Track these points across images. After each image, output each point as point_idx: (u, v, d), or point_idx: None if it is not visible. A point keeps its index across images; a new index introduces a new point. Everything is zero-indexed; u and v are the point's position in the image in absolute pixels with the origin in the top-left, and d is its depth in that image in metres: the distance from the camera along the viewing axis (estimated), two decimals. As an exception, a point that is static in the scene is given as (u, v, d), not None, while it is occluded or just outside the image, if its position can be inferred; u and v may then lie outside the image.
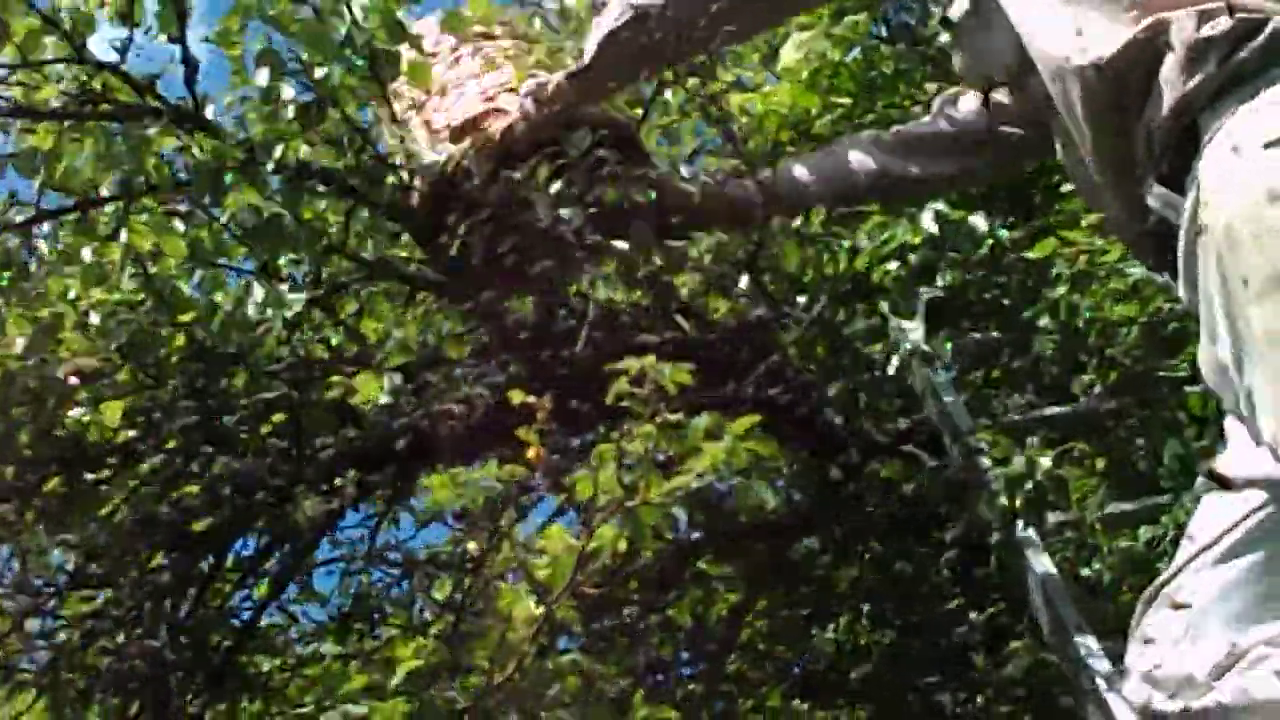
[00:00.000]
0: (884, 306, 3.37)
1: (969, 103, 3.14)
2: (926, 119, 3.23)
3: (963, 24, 2.76)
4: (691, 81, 3.94)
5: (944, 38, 2.87)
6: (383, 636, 3.35)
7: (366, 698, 2.90)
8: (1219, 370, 2.05)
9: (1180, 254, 2.15)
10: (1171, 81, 2.16)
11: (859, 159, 3.18)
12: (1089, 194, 2.80)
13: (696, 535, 3.60)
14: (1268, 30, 2.13)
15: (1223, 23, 2.14)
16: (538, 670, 2.53)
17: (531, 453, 2.77)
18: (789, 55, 3.89)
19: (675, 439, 2.50)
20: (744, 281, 3.15)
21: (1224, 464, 2.20)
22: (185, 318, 2.93)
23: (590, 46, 3.03)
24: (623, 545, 2.56)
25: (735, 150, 3.55)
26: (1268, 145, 2.00)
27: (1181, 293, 2.15)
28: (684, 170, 4.07)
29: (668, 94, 3.86)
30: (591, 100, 3.15)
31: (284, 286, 3.05)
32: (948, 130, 3.13)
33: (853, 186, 3.24)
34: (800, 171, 3.31)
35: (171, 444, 2.85)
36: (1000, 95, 2.81)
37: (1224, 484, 2.18)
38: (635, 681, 3.22)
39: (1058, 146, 2.59)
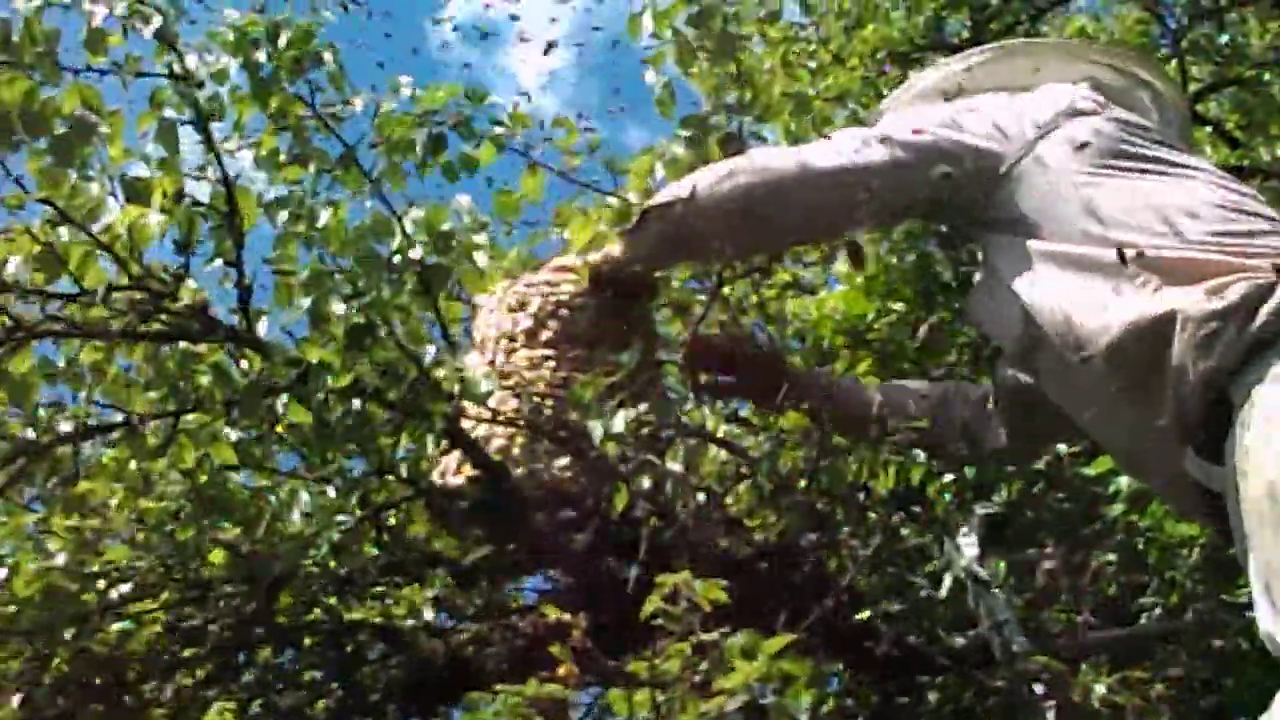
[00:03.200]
0: (938, 521, 3.33)
1: None
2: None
3: (974, 289, 2.78)
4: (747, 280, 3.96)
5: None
6: None
7: None
8: (1269, 639, 2.03)
9: (1231, 524, 2.13)
10: (1189, 358, 2.14)
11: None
12: (1124, 462, 2.79)
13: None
14: (1278, 294, 2.12)
15: (1233, 293, 2.14)
16: None
17: (563, 670, 2.74)
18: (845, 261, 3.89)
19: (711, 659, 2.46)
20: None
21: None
22: (229, 531, 2.91)
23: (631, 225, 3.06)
24: (662, 764, 2.51)
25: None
26: None
27: (1240, 557, 2.12)
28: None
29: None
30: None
31: (331, 491, 3.04)
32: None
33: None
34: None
35: (206, 670, 2.82)
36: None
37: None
38: None
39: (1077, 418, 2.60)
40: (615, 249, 3.10)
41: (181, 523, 2.93)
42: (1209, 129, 4.65)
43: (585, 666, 2.46)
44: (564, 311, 3.15)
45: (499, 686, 2.56)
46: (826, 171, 2.75)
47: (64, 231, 2.69)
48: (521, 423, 2.91)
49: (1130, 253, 2.30)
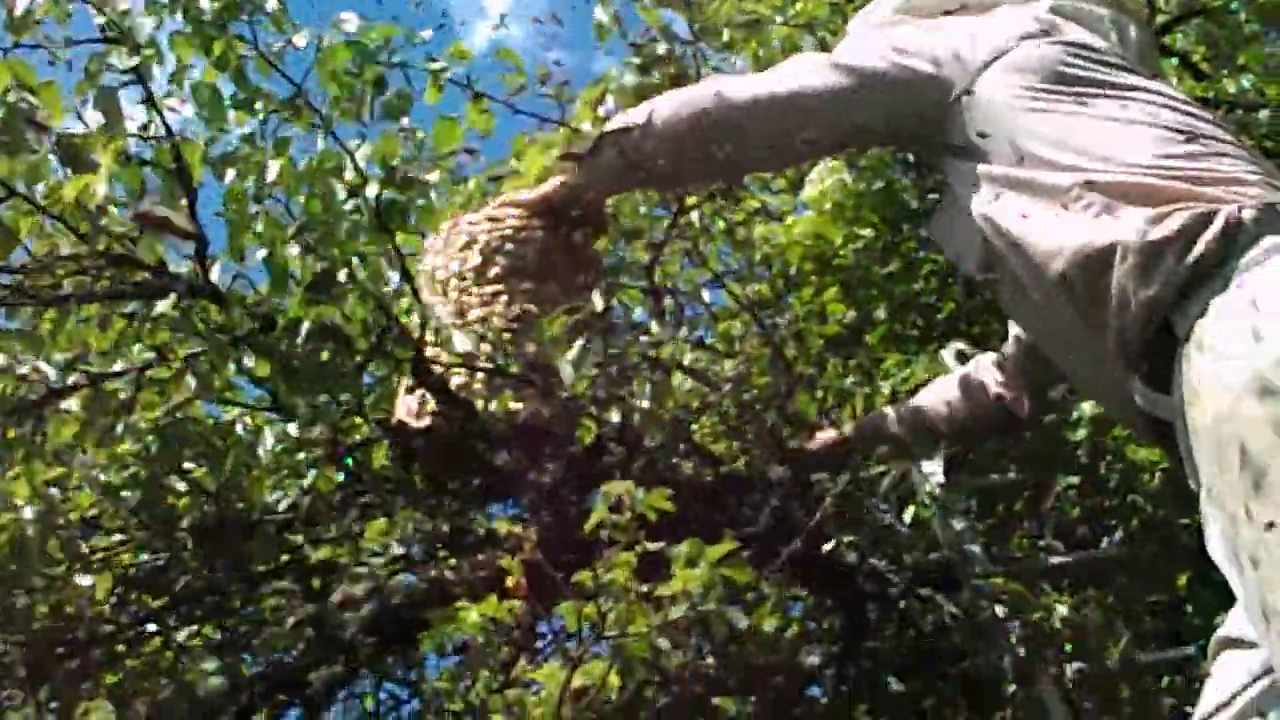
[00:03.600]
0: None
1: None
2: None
3: (938, 212, 2.79)
4: (714, 205, 3.97)
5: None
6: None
7: None
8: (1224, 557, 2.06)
9: (1182, 452, 2.15)
10: (1130, 286, 2.15)
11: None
12: (1079, 384, 2.82)
13: (709, 672, 3.58)
14: (1218, 223, 2.12)
15: (1174, 221, 2.14)
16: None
17: (511, 582, 2.78)
18: (812, 187, 3.90)
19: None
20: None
21: (1236, 622, 2.19)
22: (197, 472, 2.93)
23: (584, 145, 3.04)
24: (614, 680, 2.55)
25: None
26: (1240, 341, 2.00)
27: (1191, 483, 2.14)
28: (705, 295, 4.09)
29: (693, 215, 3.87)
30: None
31: (294, 430, 3.06)
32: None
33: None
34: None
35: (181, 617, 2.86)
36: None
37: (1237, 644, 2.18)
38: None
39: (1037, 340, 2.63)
40: (568, 177, 3.10)
41: (147, 461, 2.95)
42: (1175, 61, 4.61)
43: (534, 579, 2.50)
44: (510, 246, 3.16)
45: (459, 604, 2.61)
46: (776, 99, 2.74)
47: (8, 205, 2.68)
48: (488, 365, 2.93)
49: (1075, 179, 2.31)
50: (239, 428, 3.16)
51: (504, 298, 3.08)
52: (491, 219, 3.20)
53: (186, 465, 3.04)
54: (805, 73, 2.76)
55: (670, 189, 3.48)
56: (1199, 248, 2.11)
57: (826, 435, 3.34)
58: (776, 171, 3.94)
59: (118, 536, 2.96)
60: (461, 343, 2.93)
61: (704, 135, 2.79)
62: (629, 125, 2.88)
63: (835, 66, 2.72)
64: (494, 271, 3.13)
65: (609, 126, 2.97)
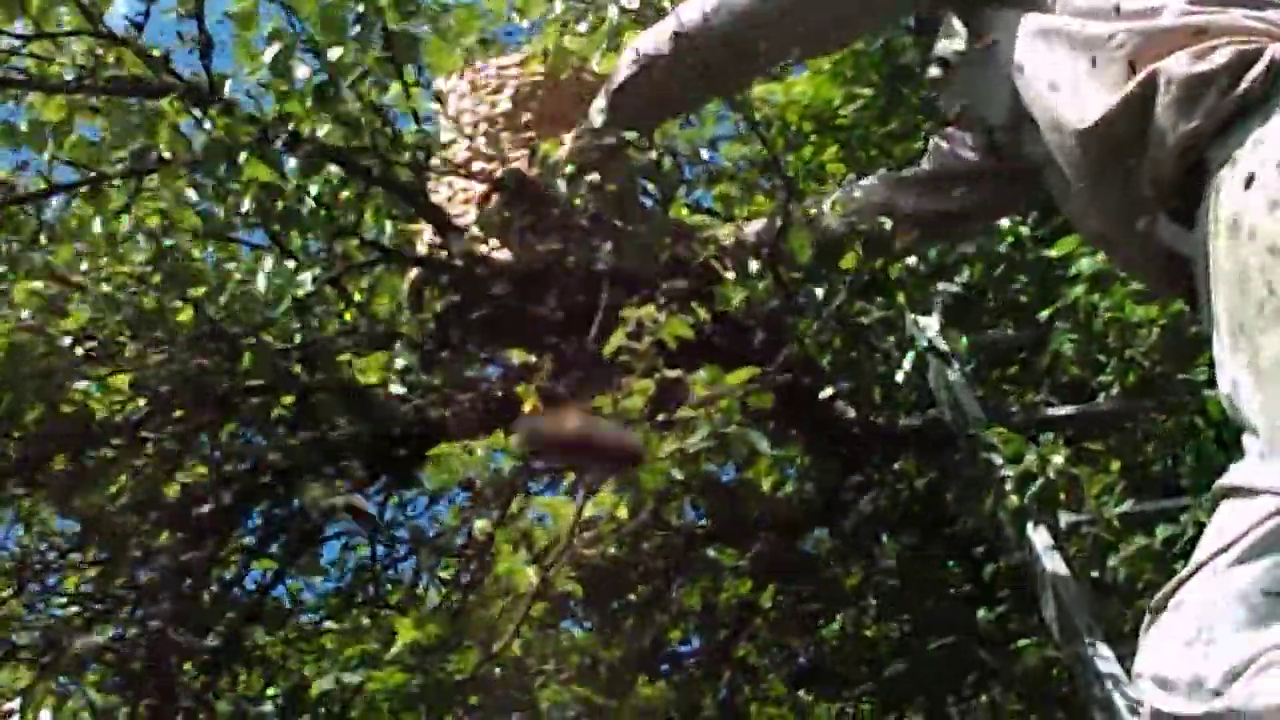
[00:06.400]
0: (901, 300, 3.35)
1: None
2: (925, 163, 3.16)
3: (956, 65, 2.74)
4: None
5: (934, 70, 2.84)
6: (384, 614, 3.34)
7: (364, 667, 2.89)
8: (1227, 399, 2.04)
9: (1199, 287, 2.13)
10: (1169, 120, 2.13)
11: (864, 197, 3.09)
12: (1094, 240, 2.79)
13: (705, 523, 3.59)
14: (1265, 59, 2.10)
15: (1219, 56, 2.12)
16: (538, 645, 2.50)
17: (528, 408, 2.75)
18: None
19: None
20: (754, 266, 3.08)
21: (1240, 473, 2.18)
22: (195, 292, 2.90)
23: (600, 103, 2.98)
24: (623, 511, 2.53)
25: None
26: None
27: (1204, 323, 2.13)
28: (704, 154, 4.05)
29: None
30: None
31: (293, 264, 3.03)
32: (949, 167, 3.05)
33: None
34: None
35: (177, 423, 2.83)
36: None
37: (1239, 492, 2.16)
38: (639, 662, 3.20)
39: (1056, 195, 2.57)
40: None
41: (146, 289, 2.92)
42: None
43: (549, 405, 2.47)
44: (541, 93, 3.13)
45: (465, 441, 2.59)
46: None
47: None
48: (490, 184, 2.90)
49: (1114, 27, 2.29)
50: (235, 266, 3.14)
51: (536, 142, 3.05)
52: (519, 65, 3.17)
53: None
54: None
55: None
56: (1244, 84, 2.09)
57: None
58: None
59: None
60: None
61: (743, 44, 2.75)
62: (650, 59, 2.84)
63: None
64: (525, 117, 3.11)
65: (627, 70, 2.92)
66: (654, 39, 2.89)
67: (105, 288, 2.84)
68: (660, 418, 2.41)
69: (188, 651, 2.91)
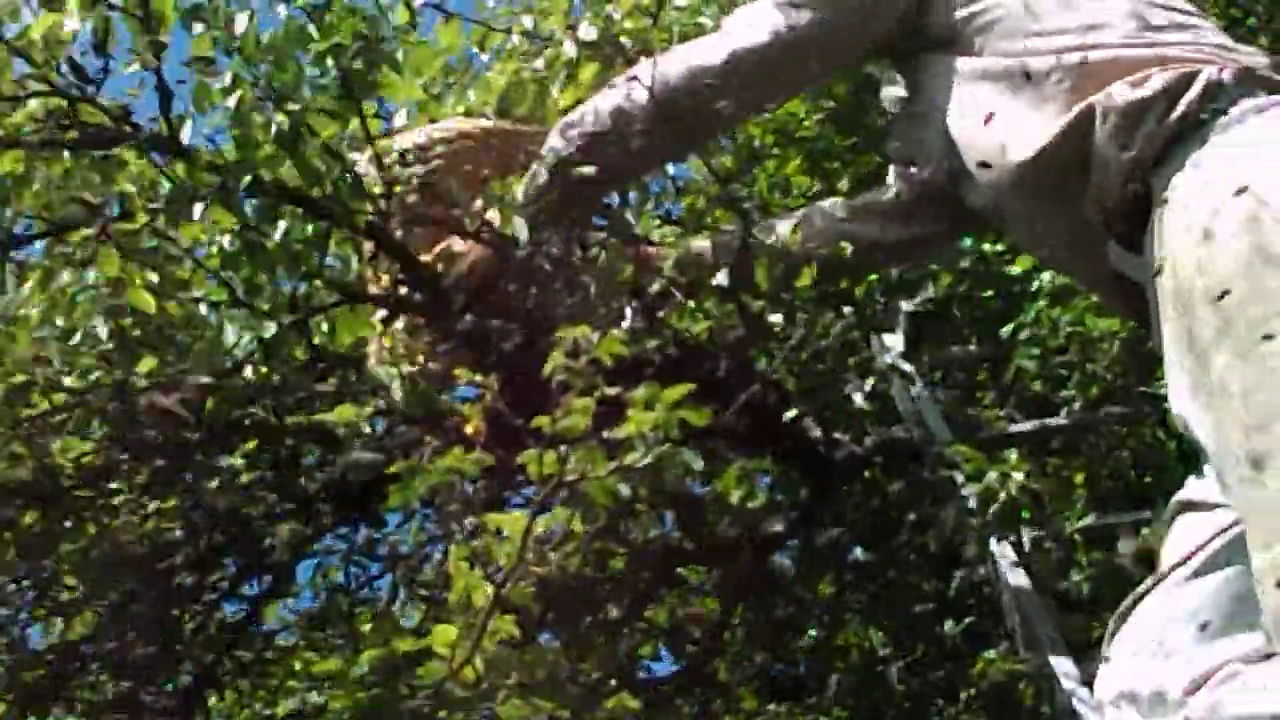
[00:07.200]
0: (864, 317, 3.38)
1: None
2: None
3: (897, 113, 2.77)
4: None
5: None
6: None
7: (329, 687, 2.89)
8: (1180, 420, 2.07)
9: (1151, 313, 2.16)
10: (1110, 149, 2.17)
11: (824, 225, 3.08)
12: (1047, 261, 2.82)
13: (674, 542, 3.59)
14: (1200, 82, 2.14)
15: (1156, 82, 2.16)
16: (503, 659, 2.50)
17: (470, 428, 2.76)
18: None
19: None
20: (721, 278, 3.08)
21: (1197, 488, 2.21)
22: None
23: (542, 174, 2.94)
24: (577, 525, 2.54)
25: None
26: (1215, 194, 2.02)
27: (1156, 346, 2.16)
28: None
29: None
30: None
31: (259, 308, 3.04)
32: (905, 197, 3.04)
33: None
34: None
35: (143, 476, 2.85)
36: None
37: (1196, 507, 2.20)
38: (608, 676, 3.21)
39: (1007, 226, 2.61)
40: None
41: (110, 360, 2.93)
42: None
43: (494, 426, 2.48)
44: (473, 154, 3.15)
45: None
46: (759, 53, 2.69)
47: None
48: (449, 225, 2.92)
49: (1050, 62, 2.32)
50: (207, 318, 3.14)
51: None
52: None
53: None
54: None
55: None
56: (1180, 108, 2.13)
57: None
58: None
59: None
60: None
61: (682, 118, 2.76)
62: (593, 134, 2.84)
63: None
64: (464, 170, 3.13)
65: (571, 143, 2.91)
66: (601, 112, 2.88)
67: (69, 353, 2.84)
68: (604, 435, 2.41)
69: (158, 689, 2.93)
